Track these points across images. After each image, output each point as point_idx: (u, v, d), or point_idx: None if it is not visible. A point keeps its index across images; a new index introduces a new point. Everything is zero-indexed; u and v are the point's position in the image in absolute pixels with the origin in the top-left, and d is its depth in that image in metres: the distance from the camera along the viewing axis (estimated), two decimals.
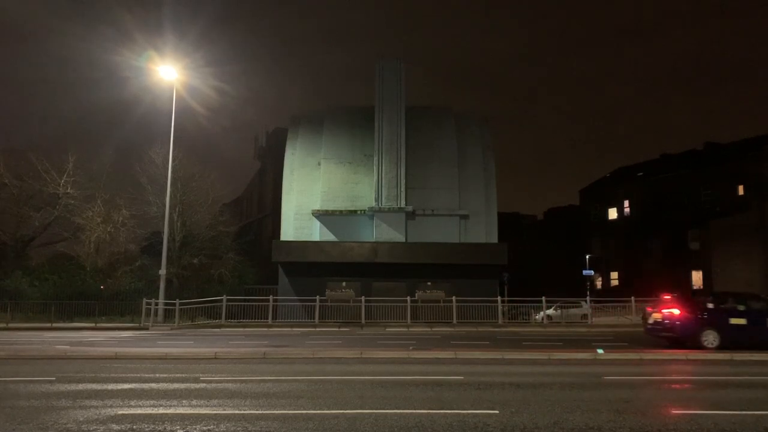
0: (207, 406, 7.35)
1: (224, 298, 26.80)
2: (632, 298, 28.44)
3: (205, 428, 6.12)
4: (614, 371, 10.82)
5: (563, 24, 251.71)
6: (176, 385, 9.08)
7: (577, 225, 57.18)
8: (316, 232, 31.25)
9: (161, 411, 7.00)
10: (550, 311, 29.60)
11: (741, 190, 43.67)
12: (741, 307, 15.67)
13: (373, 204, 30.79)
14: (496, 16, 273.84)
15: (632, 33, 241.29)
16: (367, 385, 9.05)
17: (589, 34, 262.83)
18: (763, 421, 6.57)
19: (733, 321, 15.35)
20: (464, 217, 31.38)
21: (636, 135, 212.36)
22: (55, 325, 24.73)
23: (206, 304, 27.18)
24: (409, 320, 26.79)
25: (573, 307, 30.45)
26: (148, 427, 6.14)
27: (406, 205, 30.74)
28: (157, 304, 25.99)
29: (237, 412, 6.93)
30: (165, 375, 10.31)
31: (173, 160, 28.73)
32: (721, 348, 14.48)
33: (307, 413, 6.87)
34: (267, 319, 26.58)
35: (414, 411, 6.96)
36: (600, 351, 13.76)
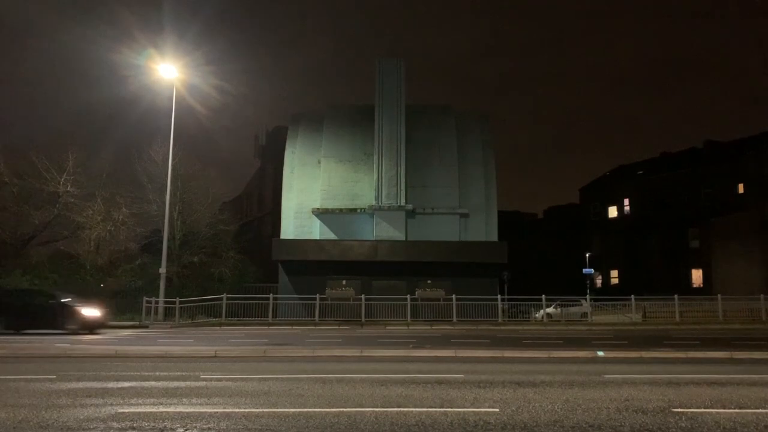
0: (207, 404, 7.34)
1: (224, 296, 26.82)
2: (632, 296, 28.49)
3: (205, 426, 6.12)
4: (615, 370, 10.83)
5: (561, 21, 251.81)
6: (176, 384, 9.08)
7: (577, 223, 57.18)
8: (316, 231, 31.26)
9: (161, 409, 7.00)
10: (550, 310, 29.58)
11: (741, 189, 43.70)
12: None
13: (373, 202, 30.80)
14: (495, 15, 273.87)
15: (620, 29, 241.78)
16: (367, 383, 9.05)
17: (579, 30, 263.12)
18: (763, 419, 6.57)
19: None
20: (464, 215, 31.37)
21: (635, 134, 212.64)
22: None
23: (206, 303, 27.21)
24: (409, 318, 26.83)
25: (573, 306, 30.44)
26: (148, 426, 6.14)
27: (406, 203, 30.74)
28: (157, 303, 26.02)
29: (237, 410, 6.93)
30: (165, 373, 10.32)
31: (173, 159, 28.74)
32: None
33: (307, 411, 6.87)
34: (267, 317, 26.62)
35: (414, 409, 6.96)
36: (600, 353, 13.73)
